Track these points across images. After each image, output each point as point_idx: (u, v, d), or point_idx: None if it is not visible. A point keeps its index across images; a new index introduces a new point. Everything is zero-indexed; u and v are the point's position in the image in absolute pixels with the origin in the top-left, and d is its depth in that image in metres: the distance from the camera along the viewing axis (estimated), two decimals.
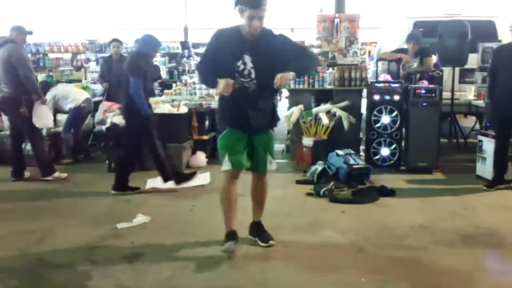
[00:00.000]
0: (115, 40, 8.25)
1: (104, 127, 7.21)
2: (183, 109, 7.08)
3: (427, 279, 3.59)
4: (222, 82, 3.71)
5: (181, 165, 6.79)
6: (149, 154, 6.02)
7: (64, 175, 6.46)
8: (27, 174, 6.47)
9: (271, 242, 4.13)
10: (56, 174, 6.39)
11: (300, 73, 4.43)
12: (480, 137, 6.34)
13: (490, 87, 5.98)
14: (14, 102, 6.16)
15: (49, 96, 7.15)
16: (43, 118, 6.32)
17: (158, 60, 14.57)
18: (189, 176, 5.93)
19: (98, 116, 7.46)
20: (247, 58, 3.83)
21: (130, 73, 5.44)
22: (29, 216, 5.00)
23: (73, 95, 7.49)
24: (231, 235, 4.02)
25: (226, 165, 3.97)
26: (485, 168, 6.09)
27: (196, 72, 4.27)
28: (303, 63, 3.96)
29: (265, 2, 3.73)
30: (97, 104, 7.88)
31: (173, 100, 7.79)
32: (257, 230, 4.22)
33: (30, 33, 6.42)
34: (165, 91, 8.95)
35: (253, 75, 3.85)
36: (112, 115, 7.06)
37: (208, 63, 3.93)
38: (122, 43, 8.50)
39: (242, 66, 3.83)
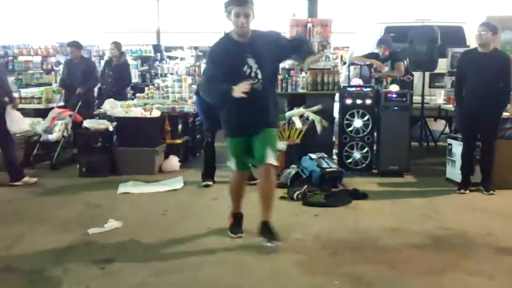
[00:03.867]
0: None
1: (50, 136, 6.97)
2: (156, 113, 7.02)
3: (399, 281, 3.62)
4: (237, 87, 3.80)
5: (153, 169, 6.74)
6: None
7: (34, 180, 6.33)
8: None
9: (274, 242, 4.08)
10: (26, 179, 6.25)
11: (304, 59, 4.45)
12: (449, 141, 6.45)
13: (456, 92, 6.08)
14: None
15: None
16: (18, 122, 6.18)
17: (130, 63, 14.48)
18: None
19: (45, 123, 7.14)
20: (251, 61, 3.95)
21: None
22: None
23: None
24: (237, 217, 4.39)
25: (233, 167, 4.21)
26: (455, 171, 6.20)
27: (204, 92, 4.23)
28: (303, 49, 4.19)
29: (250, 1, 3.89)
30: None
31: (145, 104, 7.72)
32: (263, 230, 4.14)
33: None
34: (137, 94, 8.89)
35: (259, 75, 3.97)
36: (60, 123, 6.93)
37: (214, 80, 3.98)
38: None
39: (248, 70, 3.95)
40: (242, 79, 3.87)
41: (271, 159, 4.06)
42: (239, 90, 3.77)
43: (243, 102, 3.82)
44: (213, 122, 5.97)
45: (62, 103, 8.03)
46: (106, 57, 8.61)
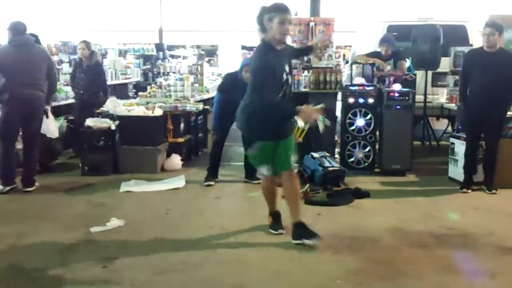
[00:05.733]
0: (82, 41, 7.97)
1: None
2: (158, 112, 7.03)
3: (402, 280, 3.62)
4: (306, 112, 4.06)
5: (156, 168, 6.75)
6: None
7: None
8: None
9: (315, 239, 4.14)
10: (37, 184, 6.02)
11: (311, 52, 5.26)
12: (452, 140, 6.45)
13: (461, 91, 6.08)
14: (42, 104, 5.91)
15: None
16: (50, 125, 6.16)
17: (132, 62, 14.50)
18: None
19: None
20: (287, 67, 4.09)
21: None
22: (0, 221, 4.89)
23: None
24: (275, 215, 4.53)
25: (266, 172, 4.37)
26: (457, 170, 6.19)
27: (273, 109, 4.13)
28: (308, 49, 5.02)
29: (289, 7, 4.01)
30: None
31: (147, 103, 7.73)
32: (301, 230, 4.22)
33: None
34: (140, 93, 8.89)
35: (289, 81, 4.15)
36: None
37: (268, 86, 3.97)
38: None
39: (285, 77, 4.07)
40: (281, 85, 4.06)
41: (293, 165, 4.34)
42: (308, 116, 4.09)
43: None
44: (224, 121, 6.01)
45: (65, 101, 8.01)
46: (76, 58, 7.93)
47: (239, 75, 5.96)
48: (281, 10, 3.91)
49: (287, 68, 4.12)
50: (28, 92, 5.81)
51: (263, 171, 4.40)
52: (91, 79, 7.67)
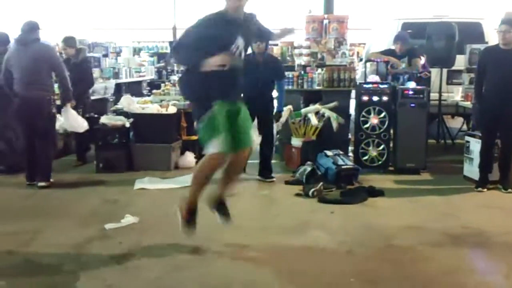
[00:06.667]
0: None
1: None
2: (172, 110, 7.06)
3: (416, 280, 3.60)
4: (220, 56, 3.58)
5: (169, 165, 6.78)
6: None
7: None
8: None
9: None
10: (52, 180, 6.10)
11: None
12: (467, 138, 6.39)
13: (476, 89, 6.02)
14: (43, 103, 5.88)
15: None
16: (73, 121, 6.14)
17: (146, 60, 14.56)
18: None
19: None
20: (240, 41, 3.81)
21: None
22: (16, 218, 4.94)
23: None
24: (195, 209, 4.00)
25: (221, 147, 3.73)
26: (472, 169, 6.14)
27: (176, 51, 3.86)
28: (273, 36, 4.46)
29: None
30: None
31: (161, 100, 7.75)
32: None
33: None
34: (154, 91, 8.93)
35: (242, 55, 3.87)
36: None
37: (195, 42, 3.70)
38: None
39: (235, 49, 3.79)
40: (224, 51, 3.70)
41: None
42: (220, 59, 3.57)
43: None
44: None
45: None
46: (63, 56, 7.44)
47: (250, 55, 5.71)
48: None
49: (241, 43, 3.81)
50: (31, 91, 5.85)
51: (215, 145, 3.66)
52: (77, 78, 7.07)
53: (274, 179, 6.24)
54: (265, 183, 6.16)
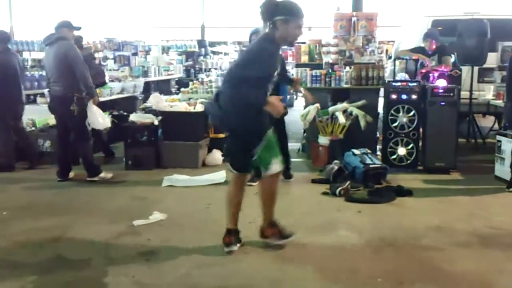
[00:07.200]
0: None
1: None
2: (200, 108, 7.10)
3: (444, 280, 3.56)
4: (275, 103, 3.67)
5: (197, 163, 6.83)
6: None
7: (110, 175, 6.34)
8: (71, 174, 6.34)
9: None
10: (102, 174, 6.28)
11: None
12: (498, 137, 6.27)
13: (508, 87, 5.90)
14: (66, 101, 6.00)
15: None
16: (98, 118, 6.22)
17: (175, 58, 14.69)
18: None
19: None
20: (279, 68, 3.95)
21: None
22: (47, 213, 5.06)
23: None
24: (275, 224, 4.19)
25: (279, 167, 3.99)
26: (504, 169, 6.02)
27: (239, 85, 3.71)
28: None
29: None
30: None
31: (189, 99, 7.82)
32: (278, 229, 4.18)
33: (79, 28, 6.35)
34: (182, 89, 9.00)
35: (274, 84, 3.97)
36: None
37: (258, 81, 3.73)
38: None
39: (276, 77, 3.91)
40: (270, 84, 3.85)
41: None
42: (275, 110, 3.68)
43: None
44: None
45: (110, 97, 8.16)
46: None
47: None
48: (300, 15, 3.79)
49: (279, 69, 3.94)
50: (55, 89, 6.11)
51: (275, 165, 3.90)
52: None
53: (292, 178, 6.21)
54: (290, 183, 6.12)
